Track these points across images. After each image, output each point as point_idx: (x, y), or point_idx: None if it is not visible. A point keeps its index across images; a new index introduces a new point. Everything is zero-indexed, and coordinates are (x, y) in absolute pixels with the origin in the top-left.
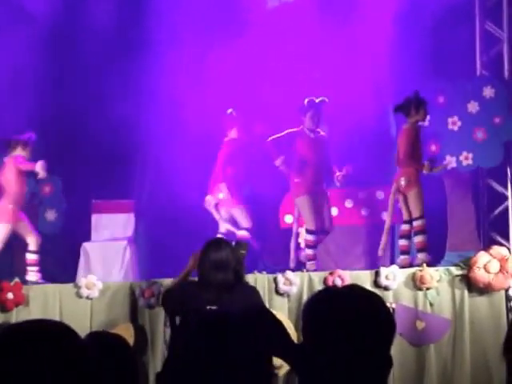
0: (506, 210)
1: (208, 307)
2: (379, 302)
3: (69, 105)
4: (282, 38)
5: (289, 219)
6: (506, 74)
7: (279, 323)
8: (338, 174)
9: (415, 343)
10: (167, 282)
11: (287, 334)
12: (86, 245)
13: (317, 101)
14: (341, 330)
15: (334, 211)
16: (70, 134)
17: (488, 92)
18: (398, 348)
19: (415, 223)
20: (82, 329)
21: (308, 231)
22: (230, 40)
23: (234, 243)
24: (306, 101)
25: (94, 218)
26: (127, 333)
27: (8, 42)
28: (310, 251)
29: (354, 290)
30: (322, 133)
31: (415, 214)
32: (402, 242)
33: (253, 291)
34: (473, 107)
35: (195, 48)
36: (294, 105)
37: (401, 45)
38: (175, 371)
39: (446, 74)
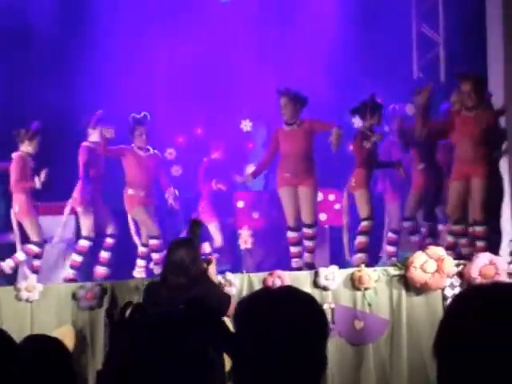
0: None
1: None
2: (312, 302)
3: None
4: (231, 33)
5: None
6: (442, 76)
7: (220, 323)
8: None
9: (354, 343)
10: (108, 284)
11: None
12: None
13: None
14: (273, 332)
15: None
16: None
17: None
18: (337, 347)
19: (361, 223)
20: (23, 332)
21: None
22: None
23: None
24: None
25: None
26: (68, 335)
27: None
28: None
29: (288, 291)
30: None
31: (361, 214)
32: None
33: (208, 291)
34: (410, 109)
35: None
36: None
37: (338, 46)
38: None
39: (383, 76)
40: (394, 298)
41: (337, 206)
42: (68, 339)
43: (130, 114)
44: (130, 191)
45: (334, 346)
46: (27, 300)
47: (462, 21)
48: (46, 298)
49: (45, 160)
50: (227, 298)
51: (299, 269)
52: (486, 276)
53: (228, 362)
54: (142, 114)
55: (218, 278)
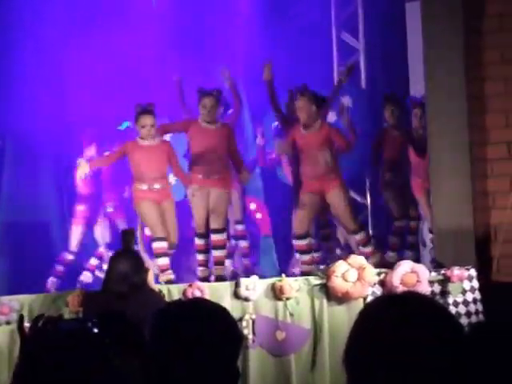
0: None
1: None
2: (225, 312)
3: None
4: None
5: None
6: (363, 83)
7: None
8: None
9: (276, 354)
10: (24, 298)
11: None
12: None
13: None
14: (183, 345)
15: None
16: None
17: (346, 101)
18: (259, 359)
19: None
20: None
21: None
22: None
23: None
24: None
25: None
26: None
27: None
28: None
29: (197, 302)
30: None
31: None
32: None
33: (151, 301)
34: (331, 117)
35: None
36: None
37: (258, 52)
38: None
39: (304, 83)
40: (316, 307)
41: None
42: None
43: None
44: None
45: (256, 358)
46: None
47: (381, 27)
48: None
49: None
50: None
51: (205, 279)
52: (408, 284)
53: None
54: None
55: (155, 286)
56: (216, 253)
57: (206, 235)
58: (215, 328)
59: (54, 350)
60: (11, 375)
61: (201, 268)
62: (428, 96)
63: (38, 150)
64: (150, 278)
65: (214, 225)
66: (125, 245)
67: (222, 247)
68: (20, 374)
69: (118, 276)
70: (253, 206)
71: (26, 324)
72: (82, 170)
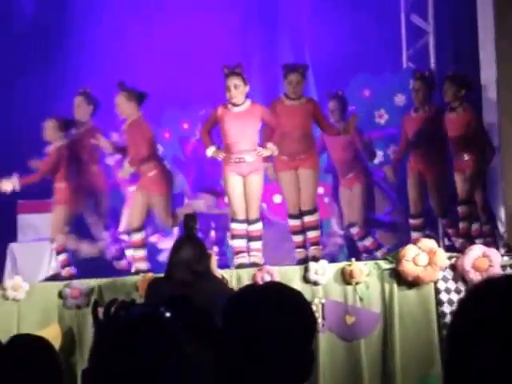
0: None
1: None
2: (299, 296)
3: None
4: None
5: None
6: (433, 65)
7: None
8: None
9: (345, 338)
10: (94, 281)
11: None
12: (12, 246)
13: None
14: (259, 328)
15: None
16: None
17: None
18: (328, 344)
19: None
20: (10, 331)
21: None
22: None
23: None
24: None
25: (20, 218)
26: (55, 334)
27: None
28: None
29: (273, 286)
30: None
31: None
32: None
33: (215, 289)
34: (400, 100)
35: None
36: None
37: (325, 38)
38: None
39: (372, 67)
40: (386, 292)
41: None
42: (55, 338)
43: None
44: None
45: (325, 342)
46: (14, 299)
47: (451, 8)
48: (32, 296)
49: None
50: (233, 293)
51: (304, 260)
52: (480, 269)
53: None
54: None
55: (219, 273)
56: (311, 234)
57: (299, 216)
58: (288, 313)
59: (126, 335)
60: (81, 358)
61: (298, 250)
62: (499, 78)
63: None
64: (213, 264)
65: (304, 206)
66: (187, 230)
67: (316, 228)
68: (94, 360)
69: (181, 263)
70: (321, 190)
71: (100, 309)
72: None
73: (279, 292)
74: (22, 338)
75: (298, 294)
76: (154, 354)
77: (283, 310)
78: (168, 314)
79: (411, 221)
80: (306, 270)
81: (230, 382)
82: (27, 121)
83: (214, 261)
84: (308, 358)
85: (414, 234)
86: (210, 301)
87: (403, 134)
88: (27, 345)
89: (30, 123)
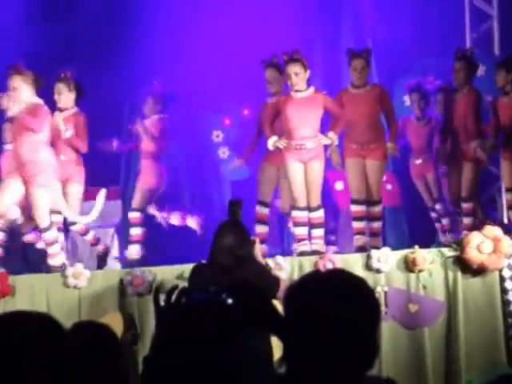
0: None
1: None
2: (364, 284)
3: None
4: None
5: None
6: (497, 51)
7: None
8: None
9: (408, 326)
10: (156, 269)
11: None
12: (73, 233)
13: None
14: (324, 315)
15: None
16: None
17: (478, 70)
18: (391, 332)
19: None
20: (70, 319)
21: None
22: None
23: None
24: None
25: (82, 205)
26: (116, 322)
27: None
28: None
29: (338, 274)
30: None
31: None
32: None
33: (256, 274)
34: None
35: None
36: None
37: (388, 23)
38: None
39: (436, 52)
40: (450, 279)
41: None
42: (116, 326)
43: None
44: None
45: (388, 331)
46: (75, 287)
47: None
48: (93, 284)
49: None
50: (276, 280)
51: (362, 247)
52: None
53: (277, 348)
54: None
55: (263, 259)
56: (373, 224)
57: (363, 202)
58: (351, 300)
59: (187, 322)
60: (142, 346)
61: (357, 236)
62: None
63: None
64: (257, 250)
65: (369, 196)
66: (231, 216)
67: (379, 219)
68: (155, 347)
69: (223, 248)
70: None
71: (161, 296)
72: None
73: (342, 279)
74: (85, 324)
75: (361, 282)
76: (215, 341)
77: (346, 298)
78: (230, 301)
79: (464, 205)
80: (369, 257)
81: (293, 370)
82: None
83: (258, 247)
84: (371, 346)
85: (466, 220)
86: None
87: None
88: (91, 332)
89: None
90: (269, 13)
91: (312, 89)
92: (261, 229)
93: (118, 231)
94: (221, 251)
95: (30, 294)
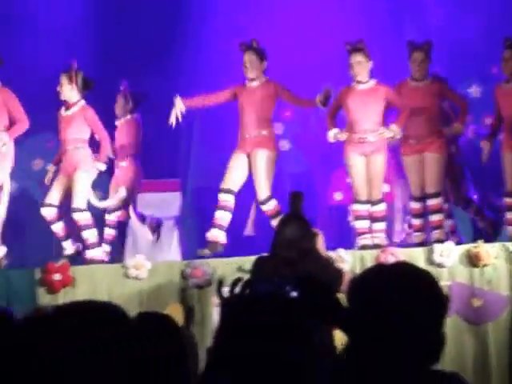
0: None
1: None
2: (429, 277)
3: None
4: None
5: (339, 196)
6: None
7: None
8: None
9: (472, 321)
10: (215, 262)
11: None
12: (132, 224)
13: None
14: (389, 308)
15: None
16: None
17: None
18: (454, 327)
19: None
20: (131, 310)
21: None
22: None
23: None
24: None
25: (140, 197)
26: (176, 313)
27: None
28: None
29: (404, 267)
30: None
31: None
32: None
33: (319, 266)
34: None
35: None
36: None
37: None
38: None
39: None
40: None
41: None
42: (177, 317)
43: None
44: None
45: (451, 325)
46: (136, 278)
47: None
48: (154, 275)
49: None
50: (340, 273)
51: (421, 244)
52: None
53: (340, 340)
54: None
55: (326, 252)
56: (434, 217)
57: (421, 199)
58: (415, 294)
59: (251, 314)
60: (202, 338)
61: (417, 233)
62: None
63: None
64: (320, 242)
65: (429, 189)
66: (293, 208)
67: (439, 211)
68: (219, 338)
69: (285, 241)
70: None
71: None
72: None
73: (406, 272)
74: (148, 315)
75: (426, 275)
76: (278, 333)
77: (410, 291)
78: (294, 294)
79: (507, 199)
80: (431, 251)
81: (356, 363)
82: None
83: (321, 240)
84: (435, 340)
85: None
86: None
87: (496, 107)
88: (154, 322)
89: None
90: (331, 3)
91: (374, 81)
92: (222, 216)
93: (177, 223)
94: (283, 244)
95: (90, 284)
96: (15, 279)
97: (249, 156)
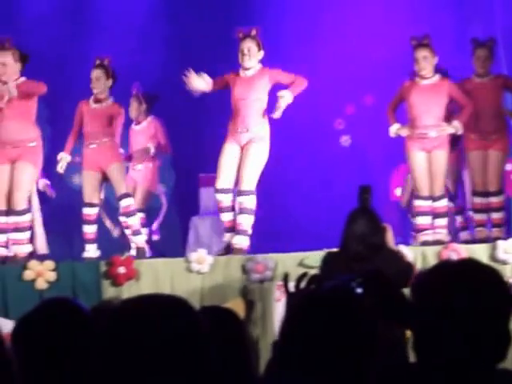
0: None
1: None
2: (496, 274)
3: None
4: None
5: (399, 192)
6: None
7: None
8: None
9: None
10: (277, 256)
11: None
12: (194, 219)
13: None
14: (456, 305)
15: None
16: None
17: None
18: None
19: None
20: (193, 303)
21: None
22: None
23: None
24: None
25: (202, 191)
26: (238, 308)
27: None
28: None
29: (470, 263)
30: None
31: None
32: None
33: (390, 262)
34: None
35: None
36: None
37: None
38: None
39: None
40: None
41: None
42: (239, 312)
43: None
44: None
45: None
46: (198, 272)
47: None
48: (216, 270)
49: None
50: (410, 267)
51: (483, 241)
52: None
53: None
54: None
55: (395, 247)
56: (495, 215)
57: (484, 194)
58: (492, 288)
59: (316, 309)
60: (264, 333)
61: (479, 228)
62: None
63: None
64: (389, 237)
65: (492, 187)
66: (362, 202)
67: (501, 209)
68: (285, 332)
69: (355, 236)
70: (509, 167)
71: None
72: None
73: (473, 270)
74: (212, 310)
75: (492, 272)
76: (343, 329)
77: (477, 289)
78: (360, 290)
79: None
80: (494, 248)
81: (422, 360)
82: None
83: (390, 234)
84: (503, 337)
85: None
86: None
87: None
88: (218, 317)
89: None
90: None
91: (437, 76)
92: (227, 218)
93: None
94: (353, 239)
95: (154, 278)
96: (81, 272)
97: (242, 148)
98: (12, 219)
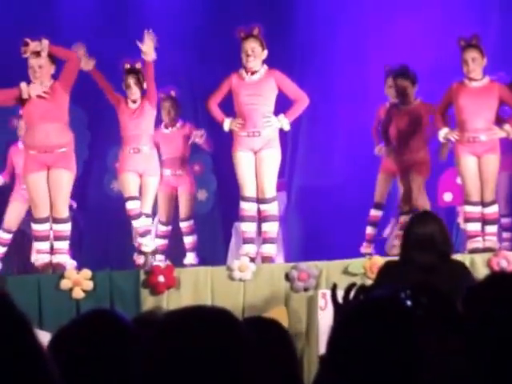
0: None
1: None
2: None
3: None
4: None
5: (448, 197)
6: None
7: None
8: None
9: None
10: (321, 264)
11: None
12: (237, 225)
13: None
14: (502, 317)
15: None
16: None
17: None
18: None
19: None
20: (235, 312)
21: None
22: None
23: None
24: None
25: None
26: (281, 316)
27: None
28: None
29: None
30: None
31: None
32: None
33: (459, 273)
34: None
35: None
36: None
37: None
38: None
39: None
40: None
41: None
42: (282, 321)
43: None
44: None
45: None
46: (240, 280)
47: None
48: (258, 278)
49: None
50: (473, 279)
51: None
52: None
53: None
54: None
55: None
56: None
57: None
58: None
59: (363, 320)
60: (308, 343)
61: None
62: None
63: (333, 113)
64: None
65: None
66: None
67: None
68: (333, 344)
69: (421, 243)
70: None
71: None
72: None
73: None
74: (256, 320)
75: None
76: (390, 341)
77: None
78: (409, 302)
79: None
80: None
81: (475, 373)
82: None
83: None
84: None
85: None
86: (454, 286)
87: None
88: (263, 327)
89: None
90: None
91: (487, 78)
92: (250, 228)
93: (282, 223)
94: (419, 246)
95: (194, 286)
96: (119, 280)
97: (255, 153)
98: (55, 227)
